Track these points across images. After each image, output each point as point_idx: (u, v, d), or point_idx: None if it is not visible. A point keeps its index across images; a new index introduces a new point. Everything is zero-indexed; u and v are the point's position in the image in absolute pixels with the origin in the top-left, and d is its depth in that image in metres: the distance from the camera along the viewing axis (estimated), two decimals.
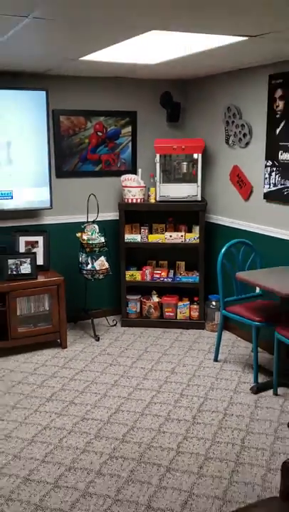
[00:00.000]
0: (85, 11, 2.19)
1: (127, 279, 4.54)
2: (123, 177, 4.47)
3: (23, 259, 4.01)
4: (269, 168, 3.86)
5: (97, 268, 4.22)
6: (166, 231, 4.55)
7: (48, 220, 4.43)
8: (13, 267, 3.98)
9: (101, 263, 4.23)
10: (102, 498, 2.39)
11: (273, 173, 3.82)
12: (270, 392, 3.39)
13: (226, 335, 4.39)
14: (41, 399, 3.33)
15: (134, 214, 4.58)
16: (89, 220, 4.46)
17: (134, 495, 2.41)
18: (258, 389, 3.40)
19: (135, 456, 2.72)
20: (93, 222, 4.34)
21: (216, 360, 3.89)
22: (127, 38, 2.72)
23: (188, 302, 4.56)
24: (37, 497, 2.40)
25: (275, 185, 3.82)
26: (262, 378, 3.56)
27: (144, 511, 2.31)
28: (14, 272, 3.98)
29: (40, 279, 4.02)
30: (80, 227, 4.33)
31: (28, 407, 3.23)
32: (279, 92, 3.69)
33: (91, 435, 2.92)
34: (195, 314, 4.54)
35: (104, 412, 3.17)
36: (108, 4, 2.07)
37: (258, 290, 3.89)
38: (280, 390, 3.40)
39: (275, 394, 3.36)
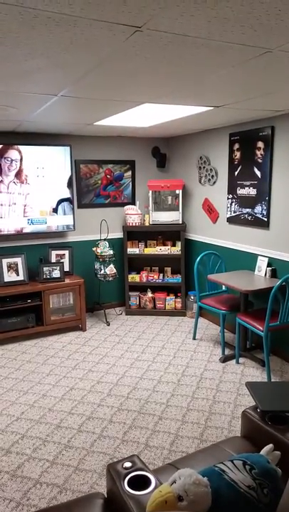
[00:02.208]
0: (99, 91, 2.23)
1: (129, 280, 4.49)
2: (126, 207, 4.46)
3: (54, 267, 3.98)
4: (230, 200, 3.86)
5: (108, 273, 4.18)
6: (157, 245, 4.49)
7: (72, 238, 4.41)
8: (47, 272, 3.97)
9: (110, 269, 4.20)
10: (113, 440, 2.39)
11: (233, 203, 3.83)
12: (233, 361, 3.36)
13: (201, 320, 4.36)
14: (68, 368, 3.28)
15: (134, 233, 4.56)
16: (101, 238, 4.46)
17: (136, 437, 2.41)
18: (224, 359, 3.37)
19: (136, 408, 2.70)
20: (104, 239, 4.33)
21: (194, 338, 3.85)
22: (127, 108, 2.75)
23: (173, 297, 4.51)
24: (66, 439, 2.40)
25: (234, 212, 3.82)
26: (227, 351, 3.52)
27: (144, 448, 2.31)
28: (48, 276, 3.96)
29: (67, 281, 3.98)
30: (95, 243, 4.31)
31: (58, 373, 3.19)
32: (236, 146, 3.71)
33: (104, 394, 2.89)
34: (178, 305, 4.49)
35: (114, 377, 3.14)
36: (116, 86, 2.12)
37: (223, 287, 3.90)
38: (241, 360, 3.38)
39: (237, 362, 3.33)
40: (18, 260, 3.91)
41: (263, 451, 1.37)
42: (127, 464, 1.43)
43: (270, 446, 1.38)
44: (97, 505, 1.38)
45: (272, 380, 3.03)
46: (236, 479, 1.24)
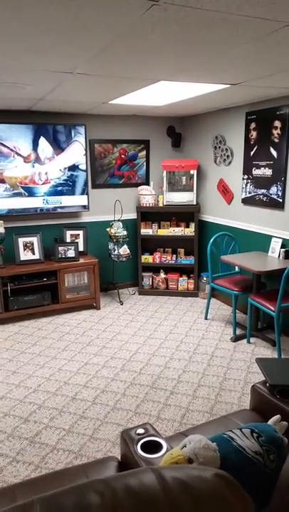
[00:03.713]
0: (114, 67, 2.23)
1: (142, 261, 4.52)
2: (139, 188, 4.46)
3: (69, 246, 4.04)
4: (245, 181, 3.83)
5: (121, 253, 4.22)
6: (170, 227, 4.50)
7: (87, 219, 4.44)
8: (62, 251, 4.04)
9: (124, 250, 4.24)
10: (126, 412, 2.48)
11: (248, 184, 3.80)
12: (244, 341, 3.40)
13: (213, 301, 4.39)
14: (82, 344, 3.38)
15: (148, 214, 4.56)
16: (115, 218, 4.49)
17: (148, 409, 2.50)
18: (236, 338, 3.42)
19: (148, 383, 2.78)
20: (118, 220, 4.34)
21: (206, 318, 3.90)
22: (143, 86, 2.73)
23: (186, 278, 4.53)
24: (81, 410, 2.51)
25: (249, 192, 3.80)
26: (239, 331, 3.56)
27: (156, 420, 2.40)
28: (63, 256, 4.03)
29: (81, 260, 4.03)
30: (109, 224, 4.34)
31: (73, 349, 3.29)
32: (253, 125, 3.66)
33: (117, 369, 2.98)
34: (191, 286, 4.52)
35: (127, 353, 3.22)
36: (132, 63, 2.11)
37: (236, 269, 3.91)
38: (252, 340, 3.42)
39: (248, 342, 3.37)
40: (34, 240, 3.99)
41: (270, 421, 1.43)
42: (140, 431, 1.51)
43: (278, 416, 1.43)
44: (112, 468, 1.47)
45: None
46: (244, 445, 1.30)
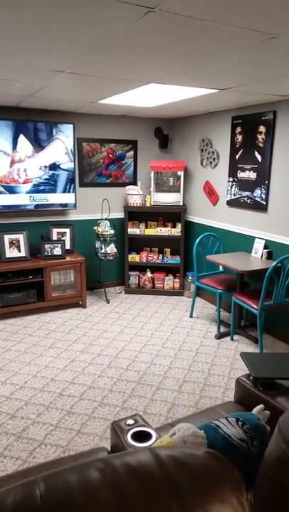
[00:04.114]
0: (106, 68, 2.27)
1: (129, 260, 4.56)
2: (127, 187, 4.50)
3: (56, 244, 4.04)
4: (231, 183, 3.92)
5: (108, 252, 4.24)
6: (157, 226, 4.55)
7: (74, 217, 4.45)
8: (49, 249, 4.03)
9: (111, 248, 4.26)
10: (113, 407, 2.53)
11: (233, 187, 3.90)
12: (228, 338, 3.49)
13: (198, 300, 4.47)
14: (69, 341, 3.40)
15: (135, 214, 4.60)
16: (102, 217, 4.52)
17: (135, 404, 2.54)
18: (220, 336, 3.50)
19: (135, 379, 2.83)
20: (106, 219, 4.38)
21: (191, 316, 3.97)
22: (134, 87, 2.77)
23: (172, 277, 4.60)
24: (68, 406, 2.53)
25: (234, 195, 3.90)
26: (222, 329, 3.65)
27: (142, 415, 2.45)
28: (49, 253, 4.02)
29: (68, 258, 4.04)
30: (96, 222, 4.37)
31: (60, 347, 3.30)
32: (238, 129, 3.75)
33: (104, 366, 3.02)
34: (177, 285, 4.59)
35: (114, 350, 3.26)
36: (125, 65, 2.16)
37: (221, 268, 4.01)
38: (235, 337, 3.51)
39: (232, 339, 3.46)
40: (20, 237, 3.98)
41: (254, 411, 1.51)
42: (130, 421, 1.56)
43: (261, 406, 1.51)
44: (102, 457, 1.52)
45: None
46: (230, 433, 1.37)
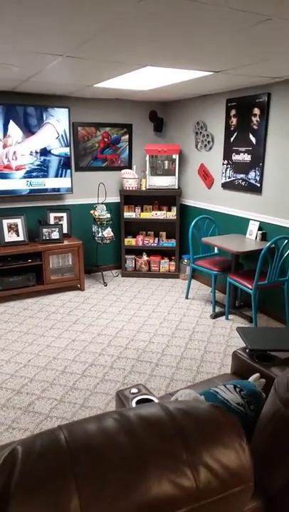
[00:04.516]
0: (104, 52, 2.29)
1: (125, 243, 4.62)
2: (122, 171, 4.51)
3: (53, 228, 4.09)
4: (225, 166, 3.97)
5: (105, 235, 4.30)
6: (153, 210, 4.58)
7: (70, 201, 4.48)
8: (47, 233, 4.08)
9: (108, 232, 4.31)
10: (114, 382, 2.63)
11: (228, 169, 3.95)
12: (223, 317, 3.60)
13: (194, 282, 4.56)
14: (69, 323, 3.48)
15: (131, 198, 4.62)
16: (99, 201, 4.55)
17: (135, 380, 2.65)
18: (215, 315, 3.61)
19: (134, 357, 2.94)
20: (102, 203, 4.41)
21: (186, 298, 4.07)
22: (131, 70, 2.78)
23: (168, 260, 4.67)
24: (71, 382, 2.63)
25: (229, 177, 3.95)
26: (218, 309, 3.75)
27: None
28: (47, 237, 4.07)
29: (65, 242, 4.09)
30: (92, 206, 4.40)
31: (60, 327, 3.39)
32: (233, 112, 3.79)
33: (104, 344, 3.11)
34: (172, 268, 4.67)
35: (113, 330, 3.36)
36: (121, 48, 2.19)
37: (216, 250, 4.09)
38: (230, 317, 3.62)
39: (227, 318, 3.57)
40: (18, 221, 4.02)
41: (250, 379, 1.61)
42: (134, 390, 1.66)
43: (257, 374, 1.62)
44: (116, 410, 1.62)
45: None
46: (228, 398, 1.48)
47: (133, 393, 1.65)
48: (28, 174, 4.03)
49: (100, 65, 2.59)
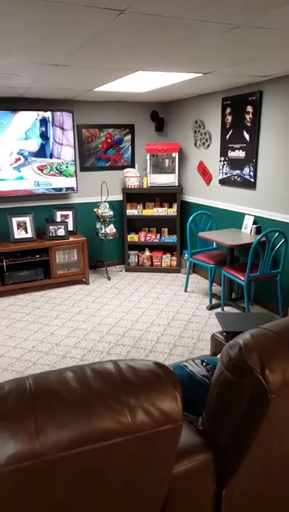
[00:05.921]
0: (93, 61, 2.49)
1: (128, 240, 4.77)
2: (125, 170, 4.67)
3: (60, 226, 4.31)
4: (222, 162, 4.10)
5: (108, 232, 4.46)
6: (154, 207, 4.72)
7: (75, 200, 4.68)
8: (53, 230, 4.30)
9: (111, 229, 4.48)
10: None
11: (225, 166, 4.07)
12: (219, 309, 3.73)
13: (194, 276, 4.70)
14: (73, 313, 3.70)
15: (133, 195, 4.77)
16: (102, 200, 4.75)
17: None
18: (211, 307, 3.75)
19: (131, 344, 3.12)
20: (105, 201, 4.57)
21: (185, 291, 4.21)
22: (122, 76, 2.98)
23: (169, 255, 4.80)
24: (71, 365, 2.86)
25: (226, 174, 4.07)
26: (214, 301, 3.87)
27: None
28: (54, 234, 4.29)
29: (71, 239, 4.29)
30: (96, 204, 4.58)
31: (64, 317, 3.61)
32: (228, 110, 3.91)
33: (103, 333, 3.31)
34: (174, 263, 4.80)
35: (113, 320, 3.55)
36: (108, 57, 2.38)
37: (214, 245, 4.20)
38: (226, 308, 3.74)
39: (222, 310, 3.70)
40: (27, 219, 4.27)
41: (218, 355, 1.79)
42: None
43: None
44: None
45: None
46: (194, 371, 1.66)
47: None
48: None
49: (92, 72, 2.79)
